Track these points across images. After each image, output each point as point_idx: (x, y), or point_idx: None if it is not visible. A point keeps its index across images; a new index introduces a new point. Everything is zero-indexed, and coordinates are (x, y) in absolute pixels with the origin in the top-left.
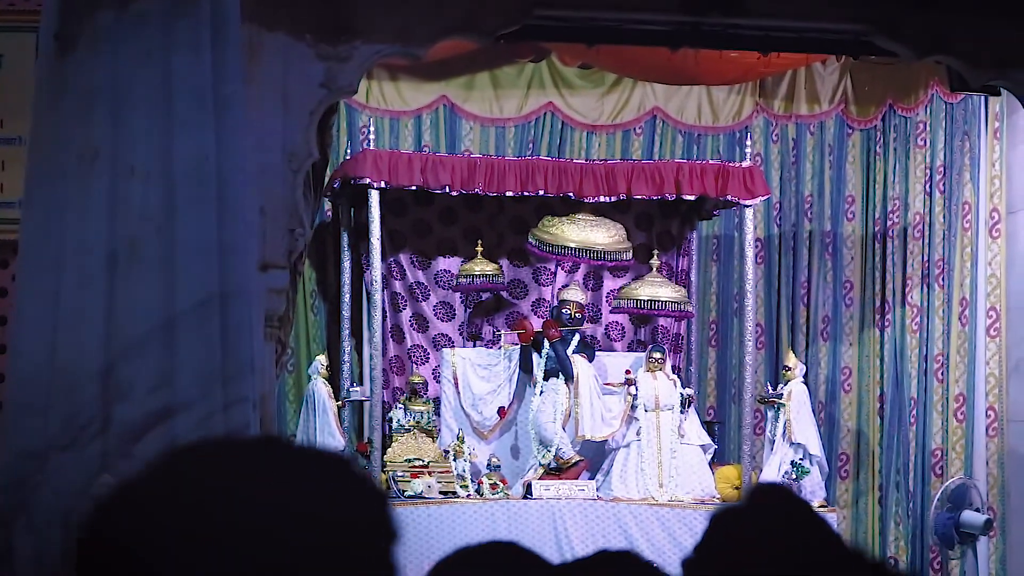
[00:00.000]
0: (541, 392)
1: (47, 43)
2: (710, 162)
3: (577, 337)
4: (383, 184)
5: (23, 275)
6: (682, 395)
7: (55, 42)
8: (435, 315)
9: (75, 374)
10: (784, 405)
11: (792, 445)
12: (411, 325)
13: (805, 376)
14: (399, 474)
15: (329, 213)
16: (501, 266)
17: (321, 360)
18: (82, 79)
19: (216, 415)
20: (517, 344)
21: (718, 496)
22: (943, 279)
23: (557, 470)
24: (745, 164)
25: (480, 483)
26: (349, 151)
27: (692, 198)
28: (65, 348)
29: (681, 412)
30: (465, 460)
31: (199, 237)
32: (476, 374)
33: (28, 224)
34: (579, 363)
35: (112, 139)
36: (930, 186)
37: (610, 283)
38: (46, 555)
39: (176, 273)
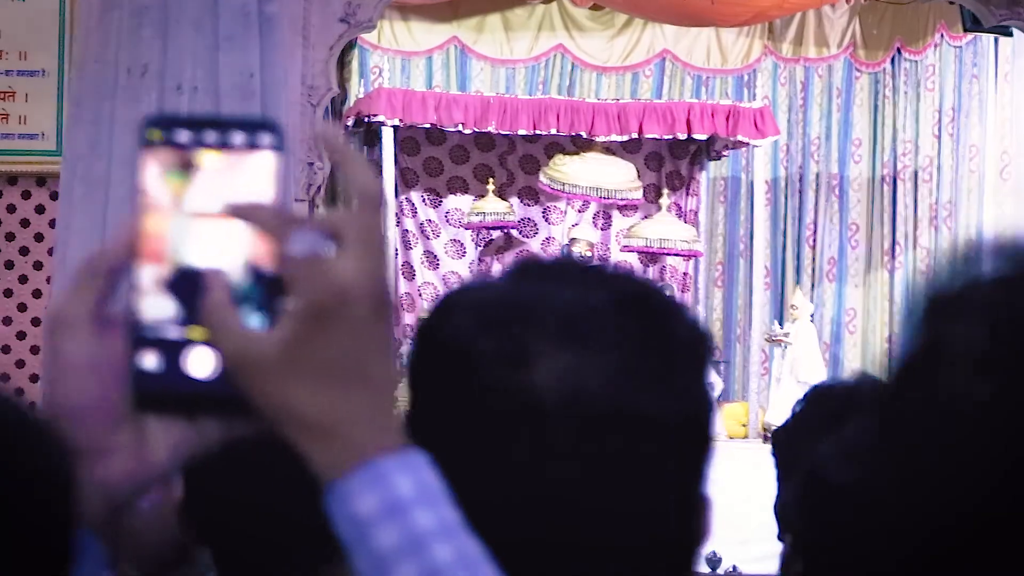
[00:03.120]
0: None
1: None
2: (721, 102)
3: None
4: (397, 122)
5: (69, 189)
6: None
7: None
8: (445, 253)
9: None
10: (791, 344)
11: (799, 383)
12: (422, 262)
13: (811, 316)
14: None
15: None
16: (512, 204)
17: None
18: None
19: None
20: None
21: (724, 433)
22: (951, 221)
23: None
24: (756, 104)
25: None
26: (362, 90)
27: (703, 138)
28: None
29: None
30: None
31: None
32: None
33: (75, 140)
34: None
35: (160, 55)
36: (939, 129)
37: (619, 222)
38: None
39: None
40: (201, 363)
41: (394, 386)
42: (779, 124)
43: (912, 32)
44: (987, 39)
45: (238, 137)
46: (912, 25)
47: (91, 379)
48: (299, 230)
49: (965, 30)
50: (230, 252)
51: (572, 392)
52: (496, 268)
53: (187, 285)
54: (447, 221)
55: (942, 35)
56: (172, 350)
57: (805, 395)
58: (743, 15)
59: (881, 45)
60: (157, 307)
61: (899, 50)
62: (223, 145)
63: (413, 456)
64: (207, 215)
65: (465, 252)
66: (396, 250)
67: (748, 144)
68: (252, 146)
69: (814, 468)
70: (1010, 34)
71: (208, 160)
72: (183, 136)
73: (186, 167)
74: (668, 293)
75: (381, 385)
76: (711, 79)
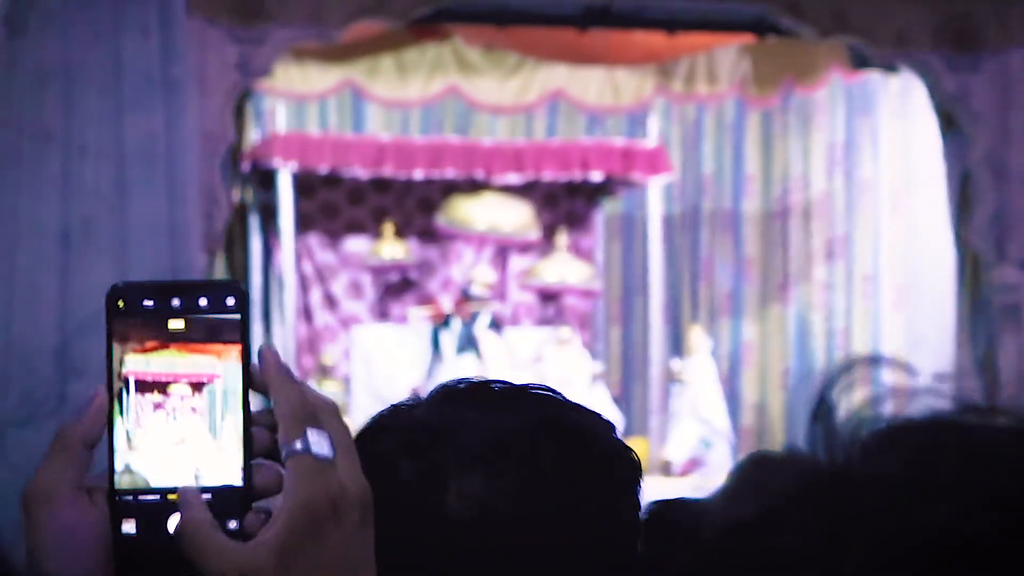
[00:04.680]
0: (452, 370)
1: None
2: (615, 143)
3: (487, 315)
4: (293, 167)
5: None
6: (592, 371)
7: (5, 25)
8: (345, 295)
9: (31, 352)
10: (689, 381)
11: (699, 419)
12: (321, 305)
13: (711, 352)
14: None
15: (236, 195)
16: (410, 246)
17: None
18: (33, 61)
19: None
20: (427, 322)
21: None
22: (845, 255)
23: None
24: (650, 144)
25: None
26: (259, 134)
27: (599, 178)
28: (20, 326)
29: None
30: None
31: (150, 216)
32: (387, 353)
33: None
34: (489, 341)
35: (64, 120)
36: (831, 164)
37: (517, 261)
38: (3, 530)
39: (129, 251)
40: None
41: None
42: (672, 161)
43: (803, 69)
44: (877, 76)
45: (204, 301)
46: (803, 62)
47: (73, 550)
48: (308, 427)
49: (854, 68)
50: (201, 422)
51: (481, 514)
52: (396, 309)
53: (161, 449)
54: (345, 263)
55: (832, 72)
56: (153, 514)
57: (739, 465)
58: (636, 54)
59: (772, 82)
60: (134, 473)
61: (790, 87)
62: (189, 310)
63: None
64: (176, 381)
65: (364, 294)
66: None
67: (643, 183)
68: (218, 310)
69: None
70: (898, 71)
71: (174, 326)
72: (148, 302)
73: (153, 334)
74: (593, 416)
75: None
76: (604, 117)
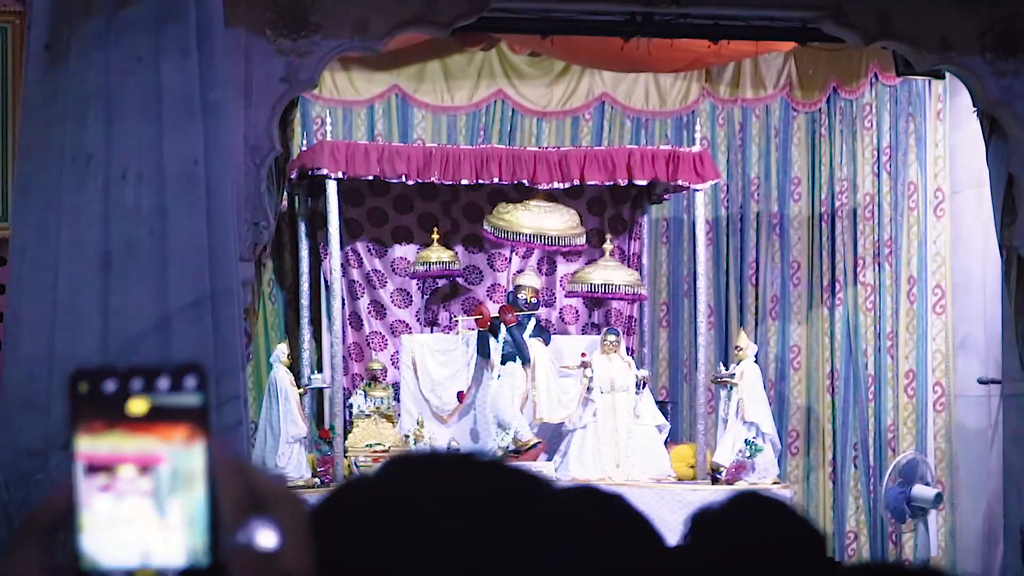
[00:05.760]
0: (499, 376)
1: (37, 52)
2: (661, 148)
3: (533, 321)
4: (340, 175)
5: (18, 277)
6: (636, 376)
7: (46, 51)
8: (392, 302)
9: None
10: (736, 385)
11: (745, 424)
12: (369, 312)
13: (756, 355)
14: (361, 459)
15: (285, 203)
16: (456, 253)
17: (282, 348)
18: (74, 85)
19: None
20: (474, 329)
21: (673, 475)
22: (892, 258)
23: (516, 452)
24: (695, 149)
25: None
26: (305, 142)
27: (644, 183)
28: (63, 347)
29: (636, 393)
30: (425, 444)
31: (190, 238)
32: (434, 359)
33: (22, 227)
34: (535, 347)
35: (105, 143)
36: (878, 167)
37: (564, 267)
38: None
39: (169, 273)
40: None
41: None
42: (718, 164)
43: (846, 73)
44: (921, 79)
45: (164, 382)
46: (846, 66)
47: None
48: (251, 518)
49: (898, 74)
50: (148, 504)
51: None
52: (443, 316)
53: (111, 530)
54: (393, 270)
55: (876, 75)
56: None
57: (691, 523)
58: (680, 61)
59: (816, 86)
60: (100, 552)
61: (835, 90)
62: (150, 391)
63: None
64: (124, 463)
65: (412, 301)
66: (343, 300)
67: (689, 188)
68: (178, 389)
69: None
70: (943, 76)
71: (136, 407)
72: (110, 386)
73: (116, 416)
74: (534, 478)
75: None
76: (650, 122)
